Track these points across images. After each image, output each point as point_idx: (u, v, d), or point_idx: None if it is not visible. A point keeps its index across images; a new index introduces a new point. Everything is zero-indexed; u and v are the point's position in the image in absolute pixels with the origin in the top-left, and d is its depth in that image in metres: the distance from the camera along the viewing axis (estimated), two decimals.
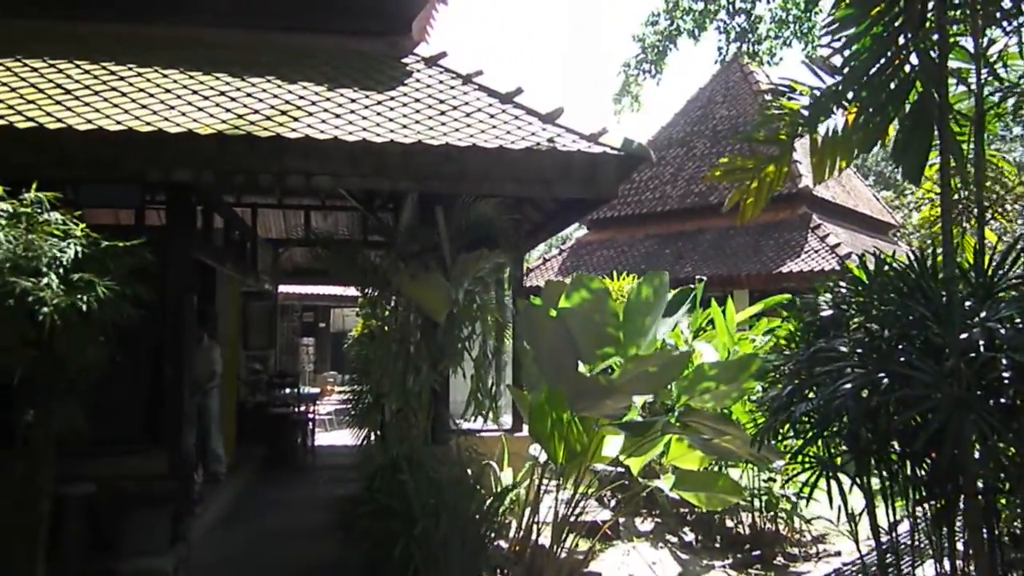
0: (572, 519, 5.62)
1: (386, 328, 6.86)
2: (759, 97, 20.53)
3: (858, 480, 3.85)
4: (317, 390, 14.80)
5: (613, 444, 5.76)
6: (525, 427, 7.55)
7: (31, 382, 5.19)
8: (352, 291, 19.50)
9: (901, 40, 4.32)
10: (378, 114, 6.41)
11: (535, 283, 20.32)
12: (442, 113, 6.67)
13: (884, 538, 4.10)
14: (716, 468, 6.56)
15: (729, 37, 11.10)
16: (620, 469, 6.21)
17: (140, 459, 6.54)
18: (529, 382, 6.03)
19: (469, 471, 5.57)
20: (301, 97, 6.52)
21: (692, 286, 6.49)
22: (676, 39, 11.53)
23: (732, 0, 10.95)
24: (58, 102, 6.13)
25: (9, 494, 5.34)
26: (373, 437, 7.05)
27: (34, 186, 5.09)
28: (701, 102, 24.54)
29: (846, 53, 4.58)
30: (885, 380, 3.34)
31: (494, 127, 6.55)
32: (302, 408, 11.87)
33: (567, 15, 69.83)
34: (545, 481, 5.80)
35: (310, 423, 11.77)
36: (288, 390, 12.19)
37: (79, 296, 4.92)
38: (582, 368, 5.49)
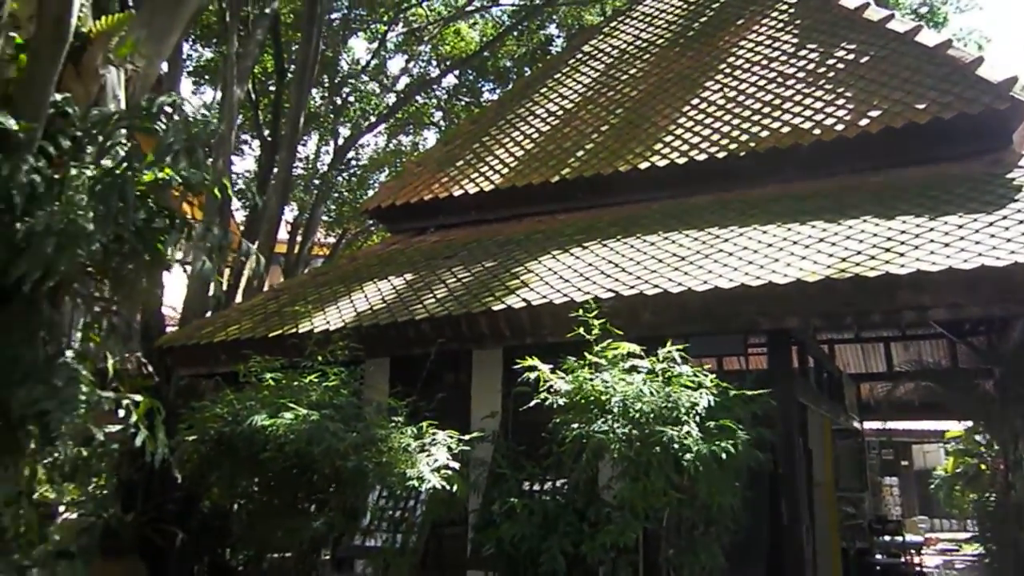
0: None
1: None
2: None
3: None
4: (921, 539, 13.48)
5: None
6: None
7: (675, 524, 5.76)
8: (936, 425, 17.81)
9: None
10: (992, 236, 5.93)
11: None
12: None
13: None
14: None
15: None
16: None
17: None
18: None
19: None
20: (903, 231, 6.38)
21: None
22: None
23: None
24: (675, 268, 6.98)
25: None
26: None
27: (668, 343, 5.82)
28: None
29: None
30: None
31: None
32: (909, 558, 10.92)
33: None
34: None
35: None
36: (890, 537, 11.35)
37: (717, 443, 5.39)
38: None
